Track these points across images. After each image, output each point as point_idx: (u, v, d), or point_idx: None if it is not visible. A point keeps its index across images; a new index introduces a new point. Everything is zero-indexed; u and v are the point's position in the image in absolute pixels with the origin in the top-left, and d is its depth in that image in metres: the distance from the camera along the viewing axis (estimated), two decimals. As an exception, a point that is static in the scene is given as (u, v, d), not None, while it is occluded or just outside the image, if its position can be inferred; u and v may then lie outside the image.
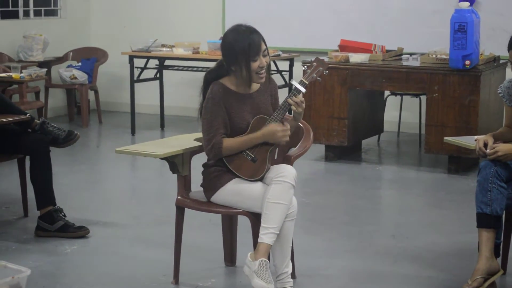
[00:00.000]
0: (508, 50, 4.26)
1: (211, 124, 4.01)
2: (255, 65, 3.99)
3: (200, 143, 4.25)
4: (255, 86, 4.14)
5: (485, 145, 4.17)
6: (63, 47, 9.88)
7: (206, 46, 8.37)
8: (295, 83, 4.04)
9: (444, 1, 8.34)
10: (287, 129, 4.01)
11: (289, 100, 3.99)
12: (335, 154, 7.48)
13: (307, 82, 4.07)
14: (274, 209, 3.87)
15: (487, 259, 4.06)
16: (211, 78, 4.11)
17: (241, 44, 3.96)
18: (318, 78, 4.11)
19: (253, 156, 4.01)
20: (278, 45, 8.70)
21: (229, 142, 4.00)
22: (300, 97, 4.01)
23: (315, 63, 4.11)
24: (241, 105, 4.06)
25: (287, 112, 4.07)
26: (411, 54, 7.67)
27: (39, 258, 4.71)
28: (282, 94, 4.28)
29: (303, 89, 4.03)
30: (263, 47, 4.01)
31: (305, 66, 4.13)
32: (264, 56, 4.02)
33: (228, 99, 4.03)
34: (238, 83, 4.06)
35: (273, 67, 8.28)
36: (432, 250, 4.91)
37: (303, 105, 4.03)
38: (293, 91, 4.02)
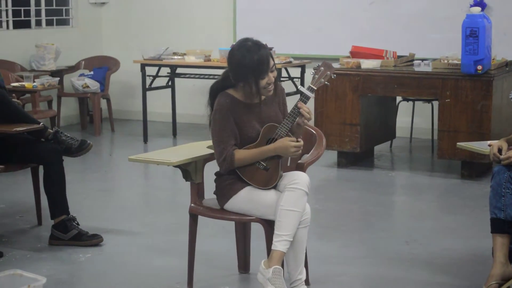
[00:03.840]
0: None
1: (221, 136, 4.01)
2: (263, 82, 3.99)
3: (212, 151, 4.26)
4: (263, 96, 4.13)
5: (499, 150, 4.16)
6: (75, 56, 9.93)
7: (218, 54, 8.38)
8: (303, 89, 4.04)
9: (455, 7, 8.34)
10: (300, 145, 3.99)
11: (300, 104, 3.98)
12: (347, 160, 7.47)
13: (315, 88, 4.07)
14: (287, 217, 3.87)
15: (502, 264, 4.05)
16: (217, 89, 4.11)
17: (250, 63, 3.94)
18: (326, 82, 4.11)
19: (265, 165, 4.01)
20: (289, 52, 8.71)
21: (241, 154, 4.00)
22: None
23: (322, 68, 4.11)
24: (249, 115, 4.06)
25: (297, 118, 4.06)
26: (422, 60, 7.66)
27: (53, 267, 4.72)
28: (294, 101, 4.28)
29: (311, 95, 4.03)
30: (271, 63, 4.00)
31: (313, 72, 4.13)
32: (272, 71, 4.01)
33: (236, 110, 4.03)
34: (245, 93, 4.05)
35: (284, 73, 8.29)
36: (446, 256, 4.90)
37: (311, 114, 4.03)
38: (301, 97, 4.02)
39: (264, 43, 4.09)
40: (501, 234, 4.07)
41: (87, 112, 9.91)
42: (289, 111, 4.07)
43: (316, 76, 4.10)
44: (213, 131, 4.06)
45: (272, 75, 4.01)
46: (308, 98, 4.02)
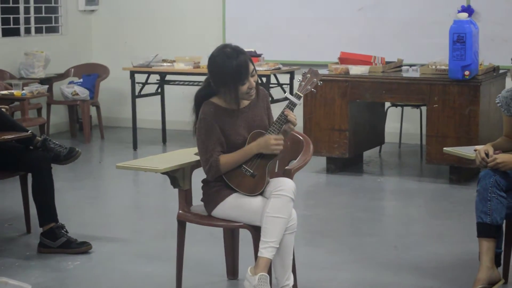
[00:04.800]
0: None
1: (207, 144, 4.02)
2: (244, 87, 4.00)
3: (200, 158, 4.27)
4: (246, 101, 4.14)
5: (487, 155, 4.18)
6: (64, 63, 9.93)
7: (207, 61, 8.37)
8: (290, 96, 4.06)
9: (443, 13, 8.38)
10: (280, 138, 4.01)
11: (287, 112, 4.00)
12: (336, 166, 7.49)
13: (301, 95, 4.09)
14: (273, 223, 3.88)
15: (488, 268, 4.07)
16: (201, 97, 4.12)
17: (229, 69, 3.95)
18: (313, 89, 4.13)
19: (252, 171, 4.02)
20: (278, 58, 8.73)
21: (226, 158, 4.00)
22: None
23: (309, 75, 4.13)
24: (235, 121, 4.07)
25: (283, 125, 4.08)
26: (410, 66, 7.70)
27: (42, 274, 4.72)
28: (282, 107, 4.30)
29: (297, 102, 4.05)
30: (251, 68, 4.01)
31: (299, 79, 4.15)
32: (253, 76, 4.02)
33: (220, 117, 4.04)
34: (228, 100, 4.07)
35: (273, 80, 8.30)
36: (434, 260, 4.92)
37: (296, 122, 4.05)
38: (288, 104, 4.04)
39: (244, 48, 4.09)
40: (487, 239, 4.09)
41: (76, 119, 9.90)
42: (275, 117, 4.08)
43: (303, 83, 4.12)
44: (198, 140, 4.06)
45: (252, 80, 4.02)
46: (295, 105, 4.04)
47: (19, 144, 5.27)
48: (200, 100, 4.11)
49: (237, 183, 4.02)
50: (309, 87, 4.11)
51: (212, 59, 4.05)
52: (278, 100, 8.00)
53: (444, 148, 4.74)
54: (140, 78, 8.80)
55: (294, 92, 4.09)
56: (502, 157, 4.11)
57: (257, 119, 4.12)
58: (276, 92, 8.17)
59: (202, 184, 4.17)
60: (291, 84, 8.52)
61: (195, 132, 4.08)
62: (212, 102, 4.07)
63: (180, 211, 4.24)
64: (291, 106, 4.03)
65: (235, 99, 4.01)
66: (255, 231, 3.98)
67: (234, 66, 3.94)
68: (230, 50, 4.01)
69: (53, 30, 10.27)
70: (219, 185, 4.06)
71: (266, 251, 3.88)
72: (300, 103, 4.07)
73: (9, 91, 8.11)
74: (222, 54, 4.00)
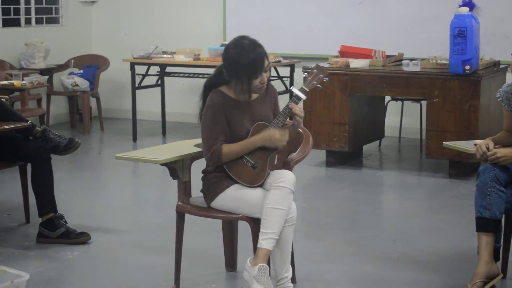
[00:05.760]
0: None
1: (211, 132, 4.02)
2: (256, 81, 4.00)
3: (200, 149, 4.27)
4: (255, 94, 4.14)
5: (488, 149, 4.18)
6: (65, 54, 9.92)
7: (207, 53, 8.40)
8: (295, 90, 4.07)
9: (444, 7, 8.37)
10: (285, 133, 4.02)
11: (292, 105, 4.00)
12: (336, 159, 7.49)
13: (307, 89, 4.09)
14: (273, 215, 3.88)
15: (487, 263, 4.07)
16: (210, 85, 4.12)
17: (244, 62, 3.94)
18: (318, 85, 4.13)
19: (253, 162, 4.02)
20: (278, 51, 8.72)
21: (228, 148, 4.01)
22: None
23: (315, 70, 4.13)
24: (240, 113, 4.07)
25: (288, 118, 4.09)
26: (411, 60, 7.69)
27: (40, 264, 4.72)
28: (283, 100, 4.30)
29: (303, 96, 4.05)
30: (266, 63, 4.01)
31: (306, 73, 4.15)
32: (266, 71, 4.02)
33: (227, 107, 4.04)
34: (237, 91, 4.07)
35: (273, 73, 8.30)
36: (433, 254, 4.92)
37: (302, 114, 4.05)
38: (293, 98, 4.04)
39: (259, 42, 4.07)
40: (486, 233, 4.09)
41: (76, 110, 9.90)
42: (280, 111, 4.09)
43: (309, 78, 4.13)
44: (203, 127, 4.06)
45: (265, 75, 4.02)
46: (299, 99, 4.04)
47: (19, 134, 5.27)
48: (209, 87, 4.10)
49: (237, 173, 4.03)
50: (315, 82, 4.12)
51: (229, 49, 4.03)
52: (278, 93, 7.96)
53: (444, 142, 4.74)
54: (140, 69, 8.80)
55: (300, 87, 4.09)
56: (502, 152, 4.11)
57: (263, 114, 4.12)
58: (276, 85, 8.09)
59: (201, 175, 4.17)
60: (291, 77, 8.52)
61: (201, 119, 4.08)
62: (221, 91, 4.07)
63: (179, 203, 4.24)
64: (296, 100, 4.04)
65: (246, 91, 4.01)
66: (254, 223, 3.98)
67: (250, 59, 3.93)
68: (248, 42, 4.00)
69: (53, 21, 10.26)
70: (219, 176, 4.06)
71: (265, 242, 3.88)
72: (304, 98, 4.06)
73: (9, 81, 8.12)
74: (239, 46, 3.99)
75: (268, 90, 4.19)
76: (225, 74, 4.05)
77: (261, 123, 4.07)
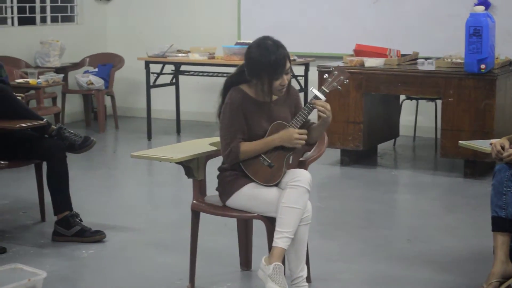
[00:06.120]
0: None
1: (229, 129, 4.02)
2: (277, 83, 3.99)
3: (215, 148, 4.28)
4: (275, 96, 4.14)
5: (502, 148, 4.16)
6: (80, 53, 9.95)
7: (222, 51, 8.40)
8: (315, 91, 4.06)
9: (459, 6, 8.34)
10: (304, 133, 4.02)
11: (314, 101, 3.99)
12: (350, 158, 7.48)
13: (327, 91, 4.08)
14: (288, 214, 3.88)
15: (502, 262, 4.05)
16: (231, 82, 4.13)
17: (266, 62, 3.94)
18: (338, 87, 4.12)
19: (270, 161, 4.02)
20: (293, 50, 8.71)
21: (246, 146, 4.01)
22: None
23: (336, 72, 4.12)
24: (259, 113, 4.07)
25: (307, 117, 4.08)
26: (426, 59, 7.67)
27: (56, 262, 4.74)
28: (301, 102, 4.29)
29: (323, 97, 4.05)
30: (288, 65, 4.00)
31: (326, 75, 4.14)
32: (287, 74, 4.02)
33: (246, 106, 4.04)
34: (257, 90, 4.07)
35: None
36: (448, 254, 4.91)
37: (329, 107, 4.03)
38: (313, 98, 4.04)
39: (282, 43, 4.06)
40: (502, 233, 4.07)
41: (91, 109, 9.94)
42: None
43: (330, 79, 4.12)
44: (221, 124, 4.07)
45: (286, 78, 4.01)
46: (319, 100, 4.03)
47: (34, 132, 5.28)
48: (229, 85, 4.10)
49: (254, 171, 4.03)
50: (335, 83, 4.11)
51: (251, 49, 4.03)
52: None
53: (460, 142, 4.72)
54: (155, 68, 8.82)
55: (320, 88, 4.09)
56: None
57: (282, 116, 4.11)
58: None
59: (218, 173, 4.18)
60: (306, 76, 8.51)
61: (219, 116, 4.09)
62: (241, 89, 4.07)
63: (194, 201, 4.24)
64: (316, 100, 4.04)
65: (267, 92, 4.01)
66: (269, 222, 3.99)
67: (272, 60, 3.93)
68: (271, 43, 3.99)
69: (68, 19, 10.30)
70: (235, 174, 4.07)
71: (281, 241, 3.88)
72: (324, 99, 4.05)
73: (25, 79, 8.14)
74: (262, 46, 3.99)
75: (290, 93, 4.17)
76: (247, 73, 4.04)
77: (280, 122, 4.06)
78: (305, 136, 4.03)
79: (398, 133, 8.30)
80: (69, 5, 10.25)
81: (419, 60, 7.66)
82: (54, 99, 9.12)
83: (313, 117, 4.14)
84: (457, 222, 5.67)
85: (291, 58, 8.01)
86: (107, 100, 9.86)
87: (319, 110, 4.02)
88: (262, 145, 4.01)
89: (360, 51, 7.55)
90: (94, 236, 5.13)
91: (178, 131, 9.26)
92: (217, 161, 4.22)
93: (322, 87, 4.08)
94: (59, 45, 9.38)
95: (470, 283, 4.35)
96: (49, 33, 9.61)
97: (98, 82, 9.35)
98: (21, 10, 9.59)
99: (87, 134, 5.40)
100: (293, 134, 4.00)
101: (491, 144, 4.24)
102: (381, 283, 4.45)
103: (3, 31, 9.28)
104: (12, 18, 9.47)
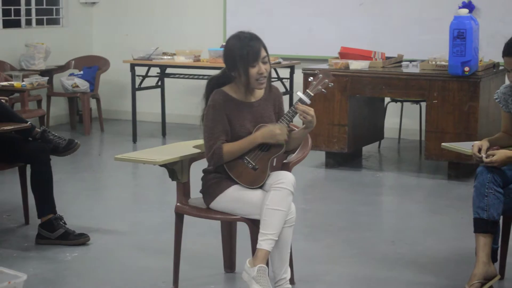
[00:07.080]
0: (503, 57, 4.30)
1: (212, 132, 4.03)
2: (253, 71, 4.00)
3: (199, 150, 4.28)
4: (258, 95, 4.15)
5: (479, 150, 4.19)
6: (65, 55, 9.93)
7: (207, 54, 8.41)
8: (300, 94, 4.07)
9: (443, 9, 8.38)
10: (284, 127, 4.03)
11: (298, 105, 4.01)
12: (335, 161, 7.50)
13: (312, 94, 4.09)
14: (272, 216, 3.89)
15: (484, 264, 4.08)
16: (213, 84, 4.14)
17: (240, 50, 3.98)
18: (323, 90, 4.13)
19: (254, 164, 4.03)
20: (278, 53, 8.73)
21: (229, 147, 4.01)
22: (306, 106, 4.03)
23: (321, 75, 4.14)
24: (242, 113, 4.08)
25: (292, 121, 4.10)
26: (411, 61, 7.70)
27: (39, 265, 4.73)
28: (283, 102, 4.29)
29: (308, 100, 4.06)
30: (263, 53, 4.02)
31: (311, 78, 4.15)
32: (264, 63, 4.02)
33: (229, 107, 4.05)
34: (239, 90, 4.08)
35: (273, 74, 8.30)
36: (431, 255, 4.93)
37: (312, 112, 4.04)
38: (297, 102, 4.05)
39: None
40: (484, 234, 4.10)
41: (76, 111, 9.91)
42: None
43: (314, 82, 4.13)
44: (205, 126, 4.07)
45: (264, 67, 4.02)
46: (304, 103, 4.04)
47: (18, 135, 5.27)
48: (211, 87, 4.12)
49: (238, 174, 4.03)
50: (320, 87, 4.12)
51: (227, 42, 4.10)
52: (278, 95, 7.98)
53: (442, 144, 4.75)
54: (141, 71, 8.81)
55: (305, 91, 4.10)
56: (498, 155, 4.10)
57: (265, 115, 4.12)
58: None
59: (200, 176, 4.18)
60: (291, 79, 8.52)
61: (203, 119, 4.09)
62: (223, 91, 4.08)
63: (178, 204, 4.25)
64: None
65: (245, 83, 4.01)
66: (253, 224, 3.99)
67: (245, 46, 3.97)
68: (247, 34, 4.05)
69: (54, 22, 10.28)
70: (219, 176, 4.07)
71: (265, 243, 3.89)
72: (309, 102, 4.07)
73: (9, 82, 8.11)
74: (235, 37, 4.06)
75: (272, 91, 4.19)
76: (226, 69, 4.07)
77: (263, 125, 4.07)
78: (286, 131, 4.02)
79: (383, 135, 8.33)
80: (54, 7, 10.22)
81: (403, 63, 7.69)
82: (39, 102, 9.10)
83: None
84: (441, 224, 5.70)
85: (276, 60, 8.15)
86: (93, 102, 9.84)
87: (300, 114, 4.03)
88: (245, 144, 4.02)
89: (345, 54, 7.57)
90: (78, 239, 5.12)
91: (164, 133, 9.25)
92: (201, 164, 4.23)
93: (307, 90, 4.09)
94: (44, 48, 9.36)
95: (453, 285, 4.38)
96: (34, 36, 9.59)
97: (84, 85, 9.33)
98: (6, 12, 9.56)
99: (73, 137, 5.40)
100: (274, 130, 4.00)
101: (473, 146, 4.26)
102: (365, 284, 4.46)
103: (-12, 34, 9.26)
104: (-3, 20, 9.45)
